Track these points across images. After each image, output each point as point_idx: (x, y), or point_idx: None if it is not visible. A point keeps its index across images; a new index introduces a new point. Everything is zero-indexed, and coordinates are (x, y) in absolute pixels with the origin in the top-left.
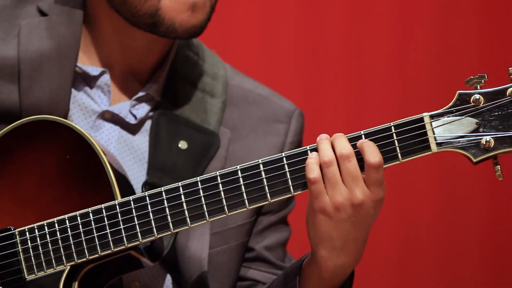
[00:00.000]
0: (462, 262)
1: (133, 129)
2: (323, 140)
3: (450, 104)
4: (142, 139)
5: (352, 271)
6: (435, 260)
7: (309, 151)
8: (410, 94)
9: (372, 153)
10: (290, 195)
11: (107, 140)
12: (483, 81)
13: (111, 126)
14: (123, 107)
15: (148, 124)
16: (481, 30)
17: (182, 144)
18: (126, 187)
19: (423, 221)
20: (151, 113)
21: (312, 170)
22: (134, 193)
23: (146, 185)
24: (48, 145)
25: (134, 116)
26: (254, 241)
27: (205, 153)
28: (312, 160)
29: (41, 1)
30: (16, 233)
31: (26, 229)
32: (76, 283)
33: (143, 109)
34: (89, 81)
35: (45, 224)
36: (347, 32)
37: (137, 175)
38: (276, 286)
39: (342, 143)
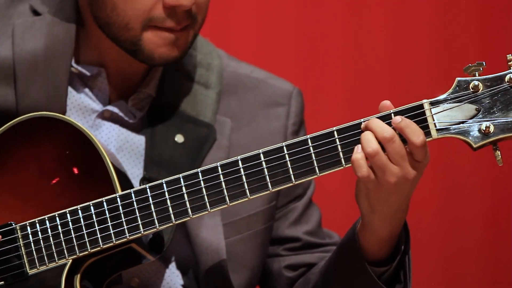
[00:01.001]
0: (461, 259)
1: (132, 127)
2: (364, 132)
3: (450, 90)
4: (141, 137)
5: (405, 223)
6: (434, 256)
7: (309, 140)
8: (408, 82)
9: (415, 133)
10: (291, 184)
11: (107, 139)
12: (481, 68)
13: (111, 124)
14: (122, 105)
15: (146, 121)
16: (479, 17)
17: (179, 138)
18: (126, 183)
19: (422, 214)
20: (148, 110)
21: (361, 168)
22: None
23: (144, 180)
24: (47, 141)
25: (133, 115)
26: (295, 229)
27: (202, 145)
28: (358, 155)
29: (33, 0)
30: (17, 228)
31: (27, 224)
32: (78, 276)
33: (141, 108)
34: (86, 80)
35: (46, 218)
36: (346, 21)
37: (137, 173)
38: (334, 258)
39: (381, 126)
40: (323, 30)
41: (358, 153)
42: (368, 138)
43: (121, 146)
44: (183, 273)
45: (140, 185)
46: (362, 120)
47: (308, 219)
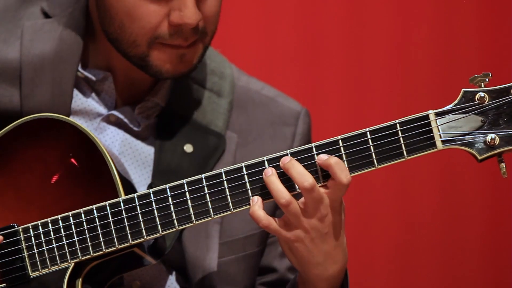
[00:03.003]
0: (463, 262)
1: (137, 133)
2: (272, 179)
3: (455, 101)
4: (146, 144)
5: (346, 271)
6: (436, 260)
7: (314, 148)
8: (413, 92)
9: (343, 172)
10: (296, 192)
11: (110, 143)
12: (487, 79)
13: (115, 129)
14: (128, 112)
15: (152, 128)
16: (484, 28)
17: (188, 147)
18: (129, 187)
19: (425, 221)
20: (156, 118)
21: (261, 219)
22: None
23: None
24: (51, 143)
25: (138, 122)
26: (277, 261)
27: (211, 155)
28: (256, 206)
29: (45, 2)
30: (20, 230)
31: (30, 226)
32: (80, 279)
33: (148, 116)
34: (93, 84)
35: (49, 221)
36: (348, 29)
37: (139, 179)
38: None
39: (301, 173)
40: (325, 36)
41: (255, 204)
42: (280, 189)
43: (124, 151)
44: (183, 281)
45: None
46: (367, 129)
47: None
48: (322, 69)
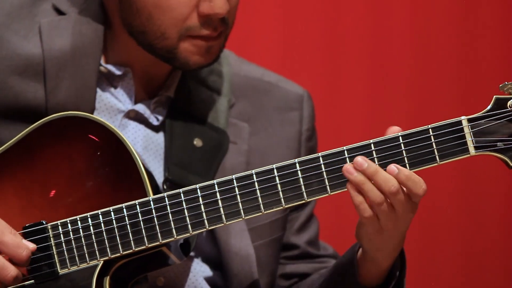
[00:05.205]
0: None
1: (156, 128)
2: (364, 181)
3: (487, 108)
4: (163, 138)
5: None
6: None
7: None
8: (439, 99)
9: (417, 185)
10: (326, 194)
11: (133, 139)
12: None
13: (136, 124)
14: (146, 107)
15: (166, 123)
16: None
17: (197, 142)
18: (155, 184)
19: (450, 227)
20: (167, 112)
21: (365, 211)
22: (160, 191)
23: (167, 182)
24: (78, 141)
25: (156, 118)
26: (297, 237)
27: (218, 150)
28: (360, 199)
29: None
30: (49, 227)
31: (59, 224)
32: (108, 278)
33: (163, 111)
34: (112, 80)
35: (78, 219)
36: (372, 28)
37: (159, 174)
38: (329, 279)
39: (387, 178)
40: (350, 37)
41: (360, 198)
42: (374, 190)
43: (146, 146)
44: (209, 274)
45: (162, 187)
46: (399, 134)
47: (310, 229)
48: (343, 70)
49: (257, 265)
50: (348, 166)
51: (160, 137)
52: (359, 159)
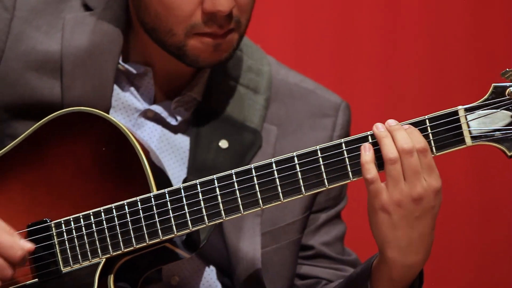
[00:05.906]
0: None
1: (174, 129)
2: (386, 135)
3: (485, 97)
4: (183, 139)
5: (421, 271)
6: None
7: (343, 144)
8: (442, 88)
9: (416, 139)
10: (324, 188)
11: (149, 139)
12: None
13: (153, 125)
14: (166, 106)
15: (189, 123)
16: None
17: (223, 143)
18: (162, 182)
19: (456, 218)
20: (192, 113)
21: (369, 171)
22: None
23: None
24: (84, 137)
25: (175, 118)
26: (312, 238)
27: (246, 151)
28: (368, 158)
29: None
30: (52, 225)
31: (62, 221)
32: (112, 275)
33: (185, 111)
34: (132, 79)
35: (81, 217)
36: (380, 24)
37: (178, 174)
38: (344, 287)
39: (403, 137)
40: (356, 29)
41: (368, 156)
42: (390, 144)
43: (161, 147)
44: (223, 274)
45: None
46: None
47: (328, 231)
48: (352, 63)
49: (271, 270)
50: (378, 123)
51: (178, 137)
52: (392, 120)
